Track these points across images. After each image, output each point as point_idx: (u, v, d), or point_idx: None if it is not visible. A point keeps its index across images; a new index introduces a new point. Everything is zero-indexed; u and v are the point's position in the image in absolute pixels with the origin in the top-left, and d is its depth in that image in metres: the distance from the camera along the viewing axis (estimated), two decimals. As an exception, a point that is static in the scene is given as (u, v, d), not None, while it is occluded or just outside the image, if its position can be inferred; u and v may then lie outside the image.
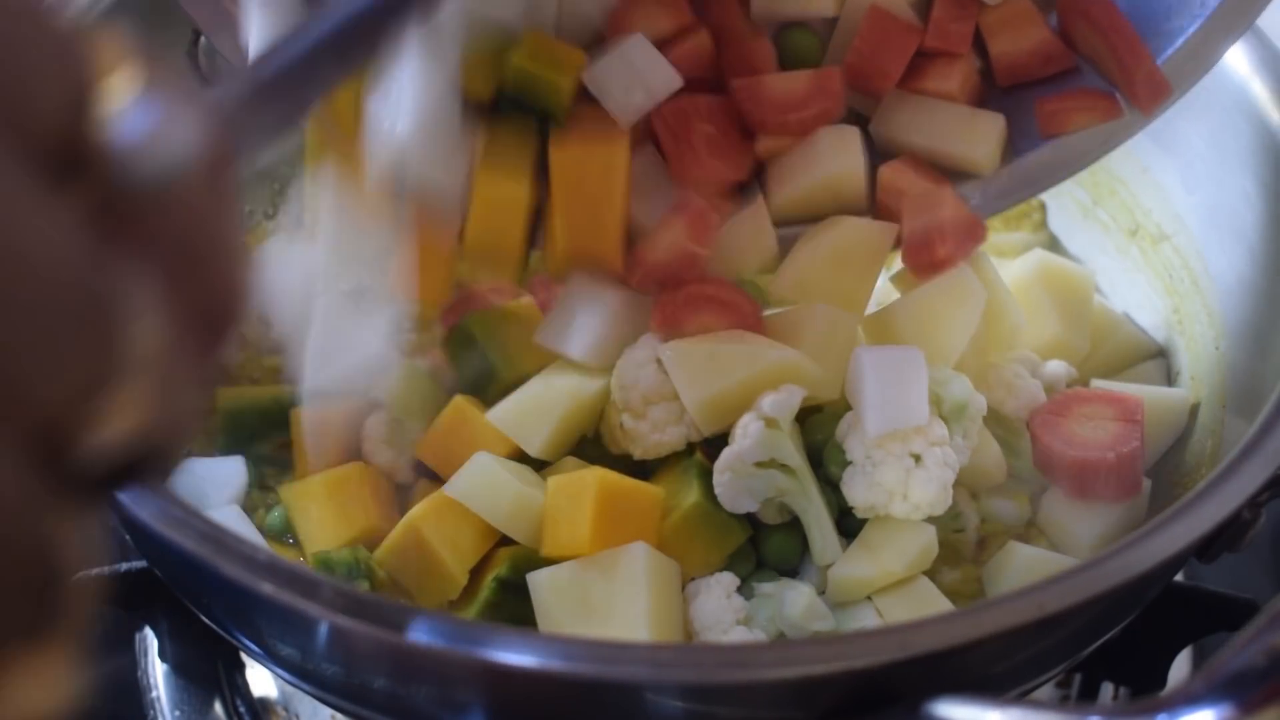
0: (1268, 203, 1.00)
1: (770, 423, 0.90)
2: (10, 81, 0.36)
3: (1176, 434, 1.04)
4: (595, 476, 0.91)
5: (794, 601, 0.90)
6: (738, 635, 0.89)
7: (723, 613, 0.90)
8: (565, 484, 0.92)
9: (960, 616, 0.75)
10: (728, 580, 0.91)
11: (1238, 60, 1.04)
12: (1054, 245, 1.22)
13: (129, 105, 0.39)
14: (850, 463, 0.92)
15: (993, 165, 0.98)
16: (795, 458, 0.91)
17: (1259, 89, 1.02)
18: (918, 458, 0.90)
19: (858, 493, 0.91)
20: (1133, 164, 1.15)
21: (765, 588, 0.92)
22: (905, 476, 0.90)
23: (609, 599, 0.88)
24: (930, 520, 0.92)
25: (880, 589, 0.91)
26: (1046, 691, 1.07)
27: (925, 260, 0.96)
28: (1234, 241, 1.04)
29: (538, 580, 0.90)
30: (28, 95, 0.36)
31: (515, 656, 0.72)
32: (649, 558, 0.89)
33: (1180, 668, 1.04)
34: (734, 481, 0.90)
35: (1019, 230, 1.22)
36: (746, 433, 0.90)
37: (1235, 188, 1.04)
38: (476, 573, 0.95)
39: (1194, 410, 1.04)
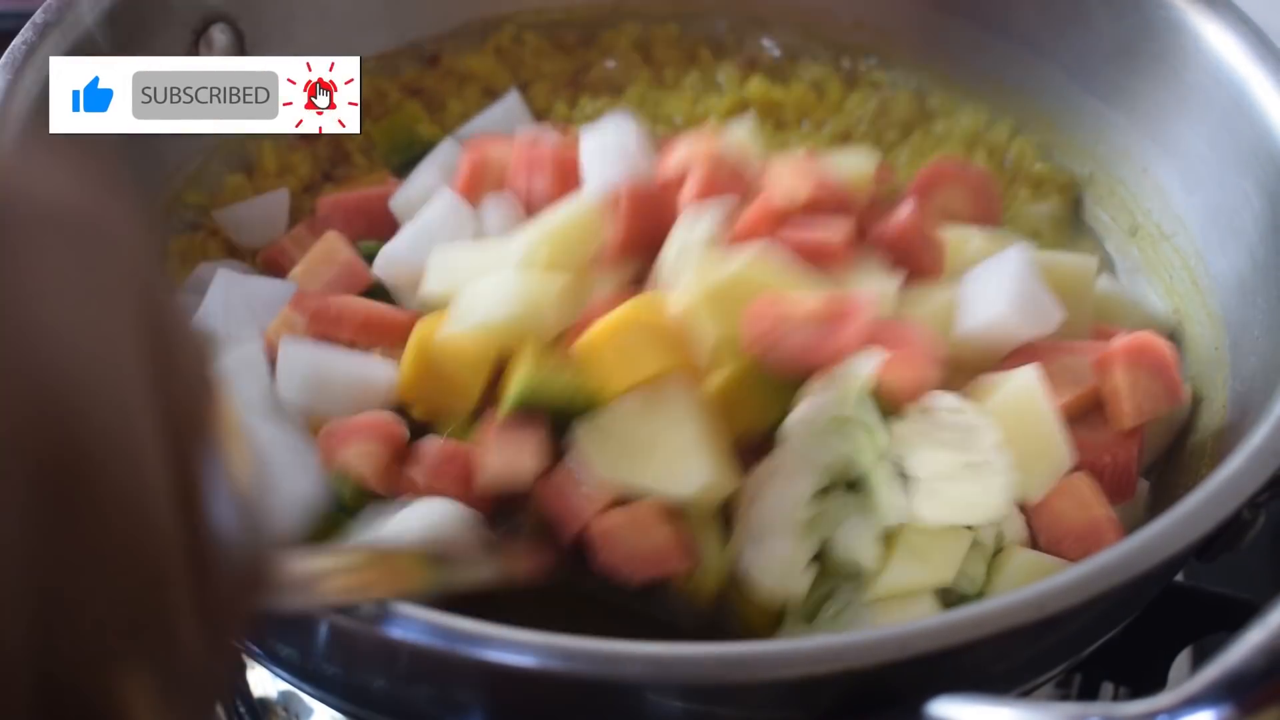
0: (1267, 203, 1.00)
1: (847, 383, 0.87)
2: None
3: (1175, 434, 1.04)
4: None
5: (859, 535, 0.87)
6: (786, 546, 0.86)
7: (791, 509, 0.87)
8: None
9: (960, 616, 0.75)
10: (804, 482, 0.88)
11: (1238, 60, 1.04)
12: (1077, 217, 1.21)
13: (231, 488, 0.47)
14: (914, 478, 0.88)
15: None
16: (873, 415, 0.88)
17: (1259, 89, 1.02)
18: (977, 467, 0.88)
19: (924, 506, 0.87)
20: (1133, 164, 1.15)
21: (838, 499, 0.88)
22: (972, 484, 0.87)
23: (653, 435, 0.88)
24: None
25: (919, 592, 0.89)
26: (1047, 691, 1.07)
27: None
28: (1234, 241, 1.04)
29: (580, 431, 0.90)
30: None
31: (515, 657, 0.72)
32: (689, 388, 0.89)
33: (1180, 668, 1.04)
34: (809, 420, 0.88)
35: (1045, 201, 1.21)
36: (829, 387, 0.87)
37: (1235, 188, 1.04)
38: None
39: (1193, 410, 1.04)
